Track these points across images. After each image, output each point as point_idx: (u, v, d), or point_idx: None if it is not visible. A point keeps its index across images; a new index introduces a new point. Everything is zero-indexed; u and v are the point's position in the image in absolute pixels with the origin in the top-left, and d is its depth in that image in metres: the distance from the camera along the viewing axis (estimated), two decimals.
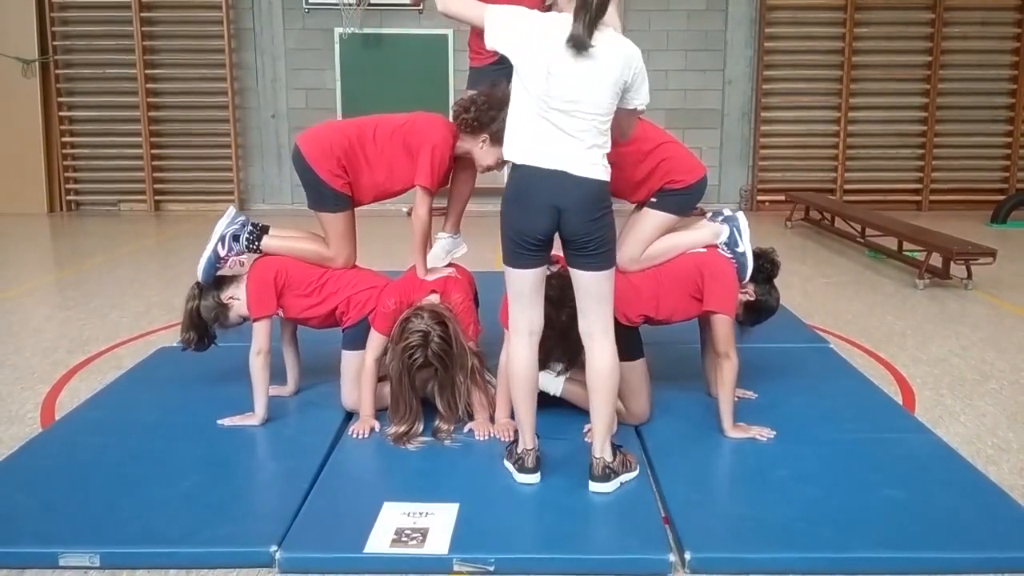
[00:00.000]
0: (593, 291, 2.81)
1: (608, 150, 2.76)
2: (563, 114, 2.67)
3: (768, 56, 10.45)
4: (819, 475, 2.98)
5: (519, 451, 2.93)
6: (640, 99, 2.76)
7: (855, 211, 8.48)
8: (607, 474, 2.85)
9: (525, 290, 2.84)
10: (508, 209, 2.79)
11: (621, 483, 2.88)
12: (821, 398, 3.73)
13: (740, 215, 3.46)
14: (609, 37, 2.67)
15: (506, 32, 2.72)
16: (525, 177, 2.74)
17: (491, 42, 2.75)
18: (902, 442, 3.28)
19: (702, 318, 3.49)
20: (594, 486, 2.85)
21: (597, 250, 2.75)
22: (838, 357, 4.37)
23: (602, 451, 2.86)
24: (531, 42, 2.68)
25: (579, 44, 2.60)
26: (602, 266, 2.78)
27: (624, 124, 2.84)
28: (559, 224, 2.73)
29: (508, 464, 2.98)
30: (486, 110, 3.33)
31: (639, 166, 3.33)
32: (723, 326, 3.27)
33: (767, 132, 10.64)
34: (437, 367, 3.17)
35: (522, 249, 2.78)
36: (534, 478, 2.89)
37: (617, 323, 3.24)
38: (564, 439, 3.21)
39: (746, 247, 3.41)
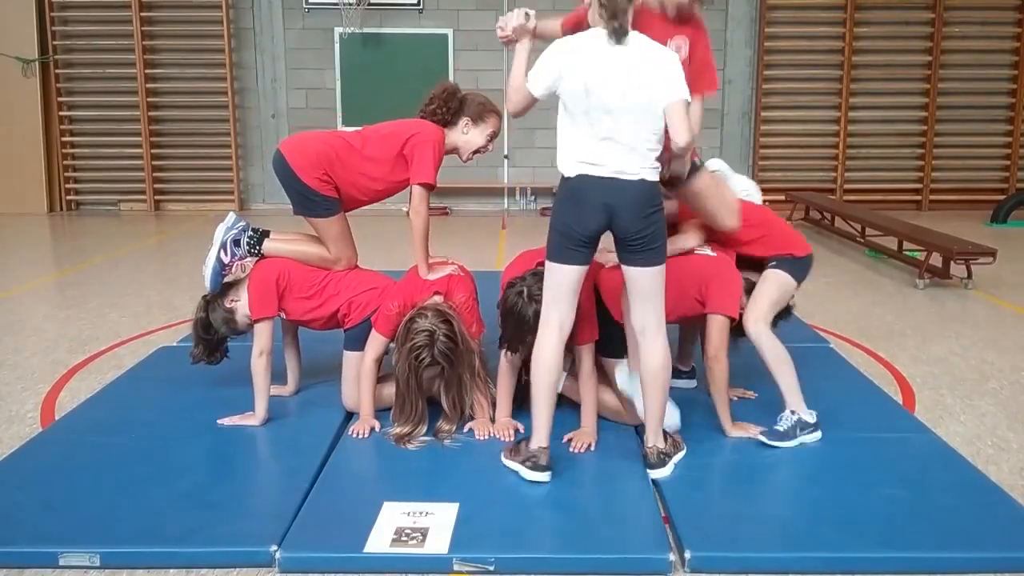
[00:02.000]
0: (643, 287, 2.90)
1: (657, 153, 2.84)
2: (610, 121, 2.77)
3: (768, 56, 10.46)
4: (819, 475, 2.98)
5: (533, 448, 2.92)
6: (678, 92, 2.82)
7: (855, 211, 8.48)
8: (662, 459, 2.99)
9: (563, 286, 2.90)
10: (561, 207, 2.89)
11: (675, 465, 3.02)
12: (821, 398, 3.72)
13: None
14: (642, 39, 2.81)
15: (541, 79, 2.84)
16: (579, 182, 2.84)
17: (537, 92, 2.86)
18: (902, 442, 3.28)
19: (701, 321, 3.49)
20: (653, 473, 2.96)
21: (648, 246, 2.85)
22: (838, 357, 4.37)
23: (655, 440, 3.00)
24: (564, 70, 2.79)
25: (618, 34, 2.75)
26: (652, 262, 2.88)
27: (674, 120, 2.82)
28: (612, 223, 2.84)
29: (512, 462, 2.97)
30: (449, 97, 3.51)
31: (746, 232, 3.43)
32: (720, 328, 3.27)
33: (767, 132, 10.64)
34: (444, 366, 3.17)
35: (571, 245, 2.86)
36: (545, 476, 2.88)
37: (615, 322, 3.26)
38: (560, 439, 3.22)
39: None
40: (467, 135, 3.54)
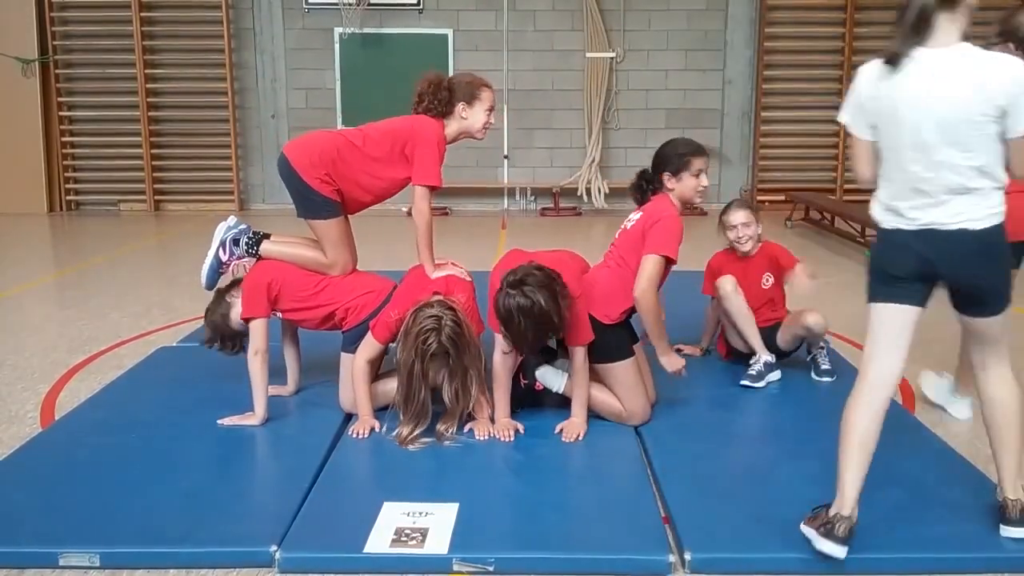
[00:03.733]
0: (981, 331, 2.54)
1: (995, 186, 2.34)
2: (919, 153, 2.34)
3: (768, 56, 10.46)
4: (819, 475, 2.97)
5: (832, 514, 2.45)
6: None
7: (855, 211, 8.47)
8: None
9: (891, 330, 2.48)
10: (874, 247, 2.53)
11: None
12: (821, 398, 3.73)
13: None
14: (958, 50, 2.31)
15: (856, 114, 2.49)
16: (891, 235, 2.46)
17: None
18: (902, 442, 3.27)
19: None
20: (1007, 531, 2.53)
21: (982, 301, 2.48)
22: (838, 357, 4.36)
23: (1015, 490, 2.52)
24: (872, 101, 2.42)
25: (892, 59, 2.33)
26: (988, 312, 2.48)
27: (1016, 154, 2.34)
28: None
29: (808, 528, 2.49)
30: (436, 91, 3.47)
31: None
32: (649, 264, 3.28)
33: (767, 132, 10.65)
34: (450, 352, 3.15)
35: (888, 285, 2.47)
36: (840, 551, 2.40)
37: (599, 323, 3.28)
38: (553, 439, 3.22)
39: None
40: (467, 118, 3.52)
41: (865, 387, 2.52)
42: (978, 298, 2.48)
